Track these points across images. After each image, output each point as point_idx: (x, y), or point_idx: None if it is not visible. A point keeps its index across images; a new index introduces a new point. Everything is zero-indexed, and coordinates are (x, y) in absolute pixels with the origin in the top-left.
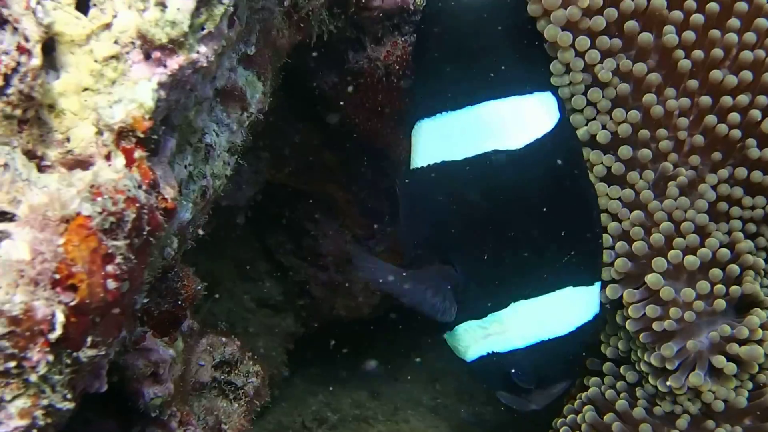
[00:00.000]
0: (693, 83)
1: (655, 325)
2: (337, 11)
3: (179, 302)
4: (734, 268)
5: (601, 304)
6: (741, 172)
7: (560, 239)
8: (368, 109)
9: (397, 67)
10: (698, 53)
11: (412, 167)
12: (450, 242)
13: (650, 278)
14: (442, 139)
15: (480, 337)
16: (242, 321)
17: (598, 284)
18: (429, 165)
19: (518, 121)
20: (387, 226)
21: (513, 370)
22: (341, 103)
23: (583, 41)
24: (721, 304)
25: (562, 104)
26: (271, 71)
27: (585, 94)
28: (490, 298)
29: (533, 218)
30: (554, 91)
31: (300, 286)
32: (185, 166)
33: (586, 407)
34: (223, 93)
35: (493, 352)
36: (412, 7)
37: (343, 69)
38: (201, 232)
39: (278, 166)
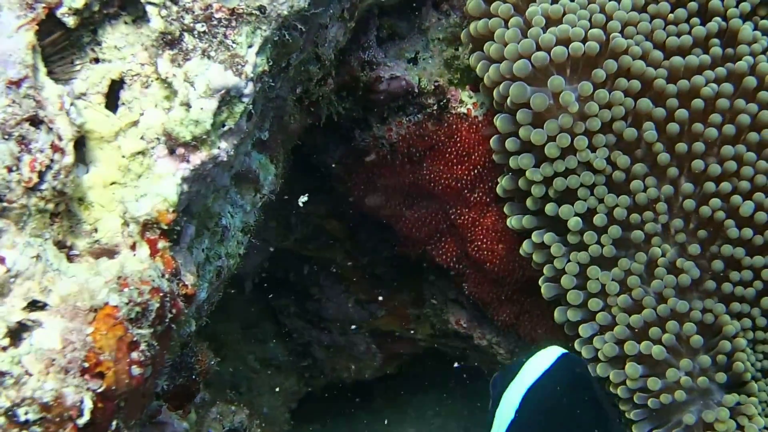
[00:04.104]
0: (673, 171)
1: (627, 414)
2: (344, 94)
3: (194, 377)
4: (721, 350)
5: None
6: (727, 249)
7: None
8: (372, 183)
9: (402, 145)
10: (682, 146)
11: None
12: None
13: (628, 368)
14: None
15: None
16: (247, 380)
17: None
18: None
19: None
20: (388, 292)
21: None
22: (347, 178)
23: (582, 141)
24: (681, 395)
25: None
26: (282, 153)
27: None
28: None
29: None
30: None
31: (303, 347)
32: (203, 250)
33: None
34: (238, 176)
35: None
36: (416, 90)
37: (350, 146)
38: None
39: (285, 234)
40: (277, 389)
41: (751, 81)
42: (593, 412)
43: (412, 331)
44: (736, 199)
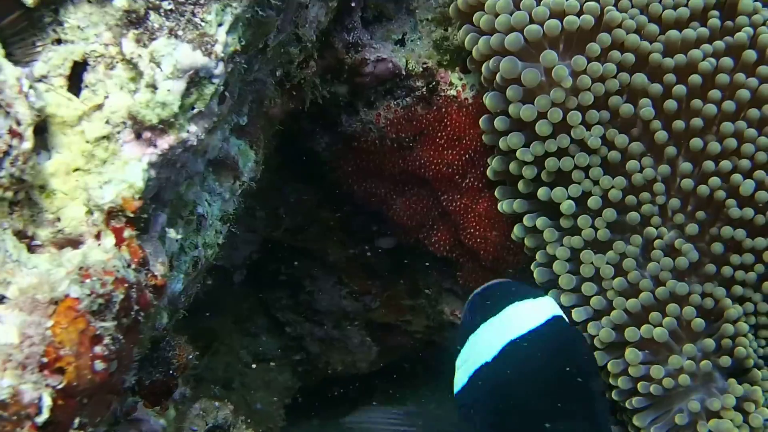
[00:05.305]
0: (671, 150)
1: (627, 404)
2: (329, 77)
3: (171, 372)
4: (723, 334)
5: None
6: (727, 231)
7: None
8: (362, 170)
9: (390, 130)
10: (679, 123)
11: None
12: None
13: (628, 354)
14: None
15: None
16: (239, 375)
17: None
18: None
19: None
20: (383, 283)
21: None
22: (335, 165)
23: (575, 116)
24: (685, 379)
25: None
26: (263, 139)
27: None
28: None
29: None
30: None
31: (297, 341)
32: (176, 240)
33: None
34: (216, 163)
35: None
36: (404, 72)
37: (337, 132)
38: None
39: (274, 225)
40: (272, 384)
41: (750, 54)
42: (579, 396)
43: (407, 323)
44: (737, 177)
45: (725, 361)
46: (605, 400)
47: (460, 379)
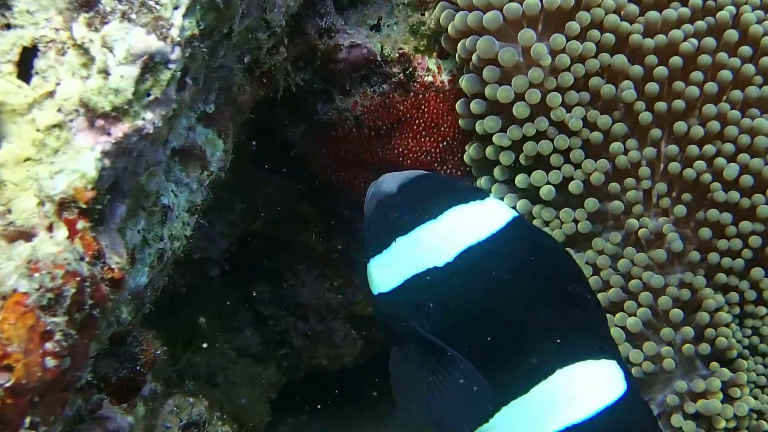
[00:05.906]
0: (656, 132)
1: None
2: (302, 64)
3: (138, 368)
4: (699, 323)
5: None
6: (713, 214)
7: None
8: (339, 159)
9: (367, 118)
10: (662, 105)
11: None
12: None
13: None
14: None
15: None
16: (223, 371)
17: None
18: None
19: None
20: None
21: None
22: (313, 155)
23: (555, 98)
24: (670, 363)
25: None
26: (232, 128)
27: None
28: None
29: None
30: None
31: (280, 335)
32: (138, 231)
33: None
34: (182, 152)
35: None
36: (379, 58)
37: (313, 120)
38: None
39: (253, 217)
40: (256, 379)
41: (732, 34)
42: (575, 304)
43: None
44: (720, 161)
45: (704, 348)
46: (600, 305)
47: (386, 280)
